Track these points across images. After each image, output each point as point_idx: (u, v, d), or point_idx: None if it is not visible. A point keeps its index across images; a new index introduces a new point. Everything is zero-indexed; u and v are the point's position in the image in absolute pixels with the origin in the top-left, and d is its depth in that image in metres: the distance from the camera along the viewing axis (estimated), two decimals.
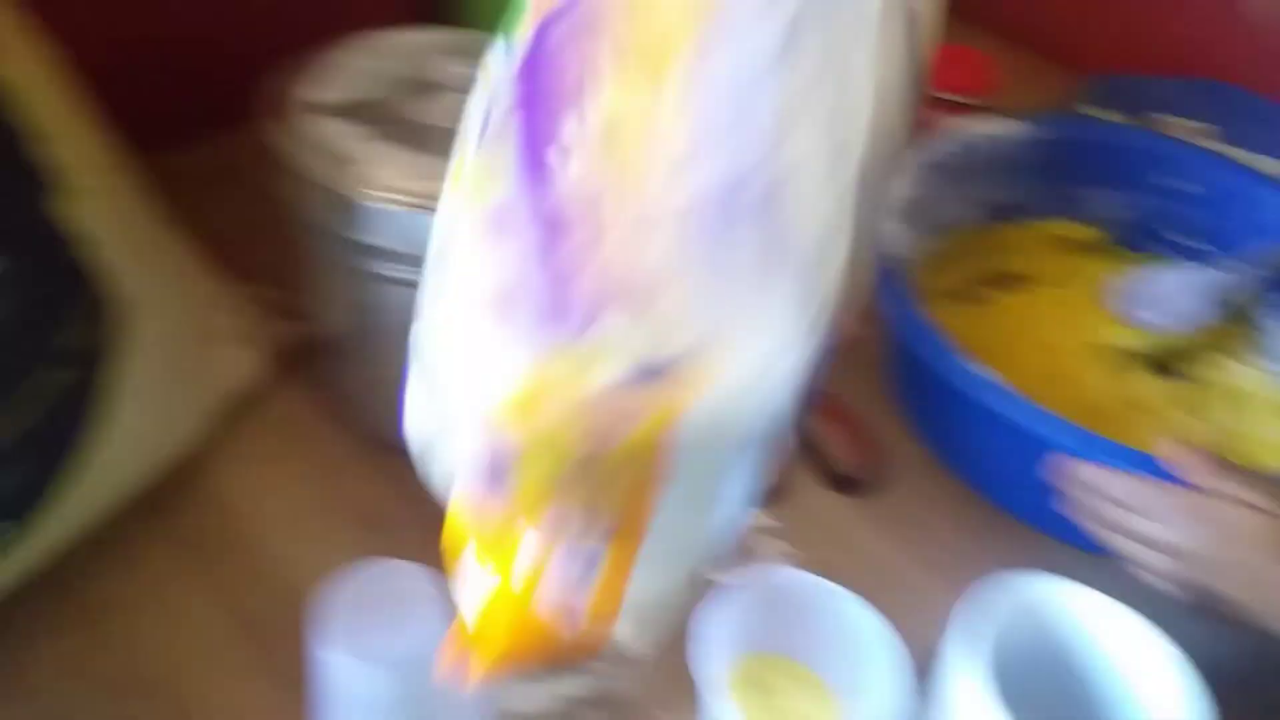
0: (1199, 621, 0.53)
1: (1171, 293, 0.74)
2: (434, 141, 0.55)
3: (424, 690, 0.47)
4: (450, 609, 0.47)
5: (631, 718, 0.49)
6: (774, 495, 0.65)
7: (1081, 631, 0.51)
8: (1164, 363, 0.76)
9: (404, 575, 0.47)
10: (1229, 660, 0.50)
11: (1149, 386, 0.74)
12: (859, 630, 0.50)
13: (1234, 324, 0.77)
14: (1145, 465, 0.56)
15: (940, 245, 0.78)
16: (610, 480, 0.32)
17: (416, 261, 0.55)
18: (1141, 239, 0.81)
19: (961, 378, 0.60)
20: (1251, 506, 0.52)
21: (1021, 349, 0.76)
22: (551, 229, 0.31)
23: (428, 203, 0.54)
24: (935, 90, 0.77)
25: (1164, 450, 0.55)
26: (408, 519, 0.62)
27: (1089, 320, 0.77)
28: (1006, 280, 0.81)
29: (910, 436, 0.70)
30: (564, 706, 0.54)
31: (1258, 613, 0.51)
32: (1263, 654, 0.54)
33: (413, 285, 0.56)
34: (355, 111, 0.57)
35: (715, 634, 0.49)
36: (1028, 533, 0.64)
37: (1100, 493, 0.56)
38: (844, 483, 0.66)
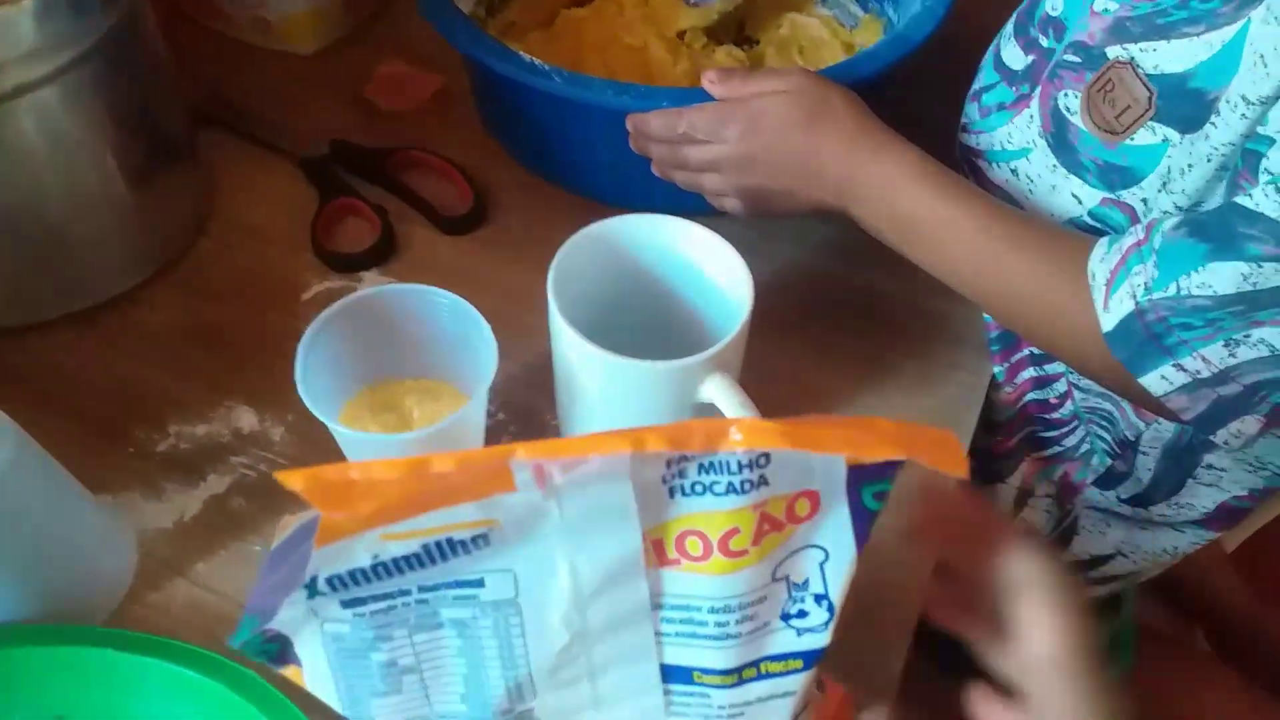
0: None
1: None
2: None
3: None
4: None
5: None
6: (386, 252, 0.65)
7: (663, 250, 0.53)
8: (739, 32, 0.80)
9: None
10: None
11: (729, 57, 0.77)
12: (467, 327, 0.51)
13: None
14: (700, 99, 0.58)
15: None
16: None
17: None
18: None
19: (525, 74, 0.61)
20: (775, 93, 0.55)
21: (609, 56, 0.77)
22: None
23: None
24: None
25: (705, 78, 0.58)
26: None
27: (664, 14, 0.79)
28: (582, 1, 0.82)
29: (512, 164, 0.71)
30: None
31: (802, 192, 0.56)
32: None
33: None
34: None
35: (322, 373, 0.50)
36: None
37: (665, 137, 0.59)
38: (454, 224, 0.67)
